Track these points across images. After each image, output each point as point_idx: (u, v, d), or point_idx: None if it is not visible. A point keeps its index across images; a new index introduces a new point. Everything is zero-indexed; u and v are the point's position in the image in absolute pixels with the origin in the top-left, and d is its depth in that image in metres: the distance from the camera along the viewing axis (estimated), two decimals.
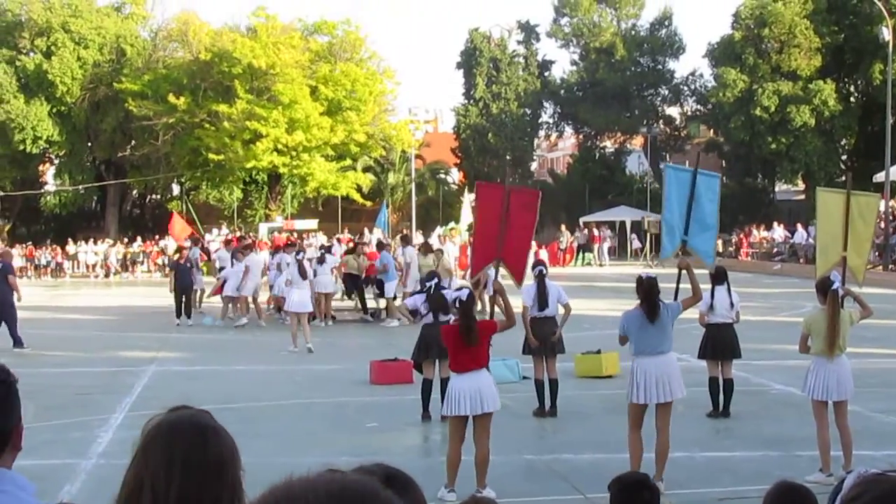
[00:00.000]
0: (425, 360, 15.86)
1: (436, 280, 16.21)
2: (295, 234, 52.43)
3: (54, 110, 67.90)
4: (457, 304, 11.48)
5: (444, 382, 14.66)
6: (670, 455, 11.73)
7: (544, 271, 16.32)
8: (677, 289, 12.55)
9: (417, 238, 52.87)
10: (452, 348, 11.45)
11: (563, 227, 63.18)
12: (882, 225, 45.11)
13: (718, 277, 15.66)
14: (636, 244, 66.85)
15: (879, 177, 49.83)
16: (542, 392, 15.82)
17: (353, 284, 31.87)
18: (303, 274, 24.31)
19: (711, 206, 13.23)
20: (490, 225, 13.07)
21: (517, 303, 14.40)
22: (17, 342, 23.89)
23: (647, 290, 11.66)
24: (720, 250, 55.84)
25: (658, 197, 71.43)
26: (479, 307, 20.26)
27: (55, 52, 66.85)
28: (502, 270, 13.02)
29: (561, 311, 16.28)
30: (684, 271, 12.31)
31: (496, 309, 14.01)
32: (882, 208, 43.92)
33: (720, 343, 15.53)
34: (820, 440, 11.85)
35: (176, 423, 2.80)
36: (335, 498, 1.73)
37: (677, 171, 14.05)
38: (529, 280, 15.44)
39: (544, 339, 15.83)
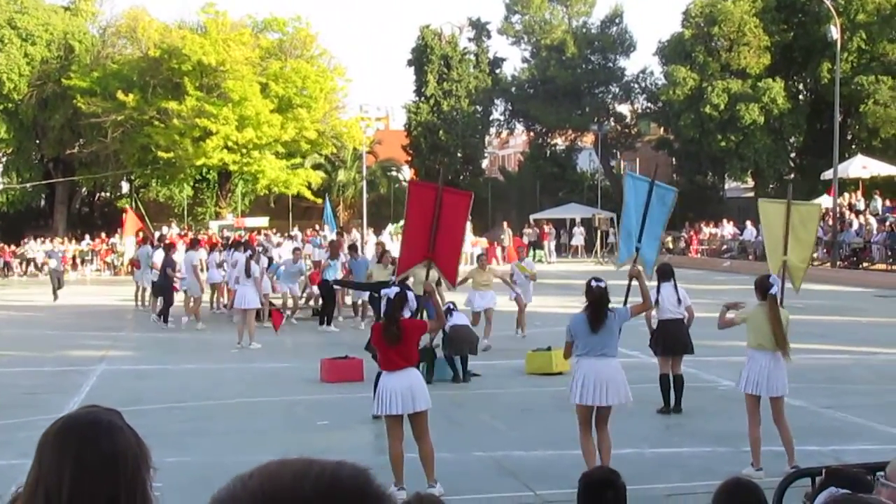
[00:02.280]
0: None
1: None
2: (261, 233, 52.32)
3: (1, 107, 67.24)
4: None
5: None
6: (620, 451, 11.78)
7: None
8: (627, 293, 12.63)
9: (370, 237, 52.86)
10: (380, 347, 11.48)
11: (505, 225, 63.24)
12: (831, 223, 45.51)
13: (665, 275, 15.79)
14: (578, 241, 66.95)
15: (827, 174, 50.26)
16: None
17: (331, 291, 29.14)
18: (248, 272, 24.69)
19: (662, 220, 13.43)
20: (421, 224, 13.06)
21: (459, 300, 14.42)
22: None
23: (596, 299, 11.67)
24: (670, 247, 56.21)
25: (609, 194, 71.94)
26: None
27: (1, 48, 66.16)
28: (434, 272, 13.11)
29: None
30: (635, 278, 12.44)
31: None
32: (837, 212, 44.30)
33: (671, 339, 15.62)
34: (750, 435, 12.03)
35: (69, 422, 2.77)
36: (325, 486, 1.72)
37: (636, 179, 14.23)
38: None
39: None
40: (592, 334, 11.59)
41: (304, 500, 1.68)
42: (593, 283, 11.81)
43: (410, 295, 13.21)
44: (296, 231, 56.79)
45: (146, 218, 62.21)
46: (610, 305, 11.72)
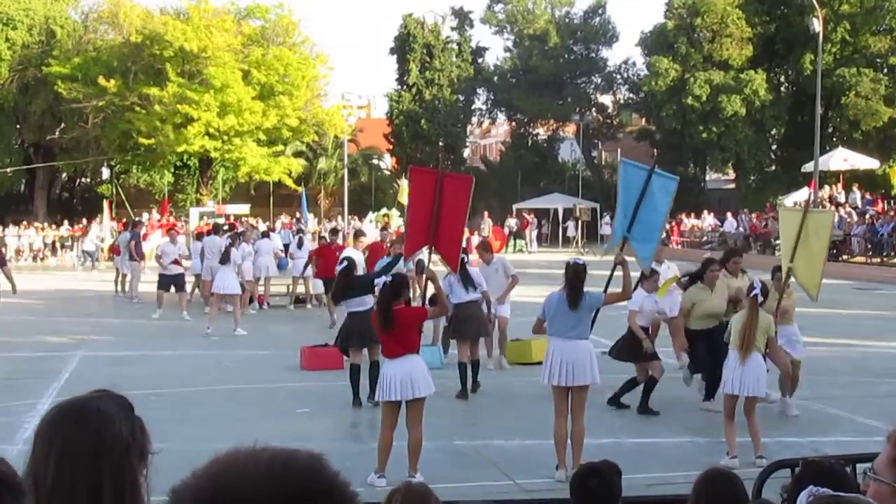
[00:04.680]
0: (351, 348, 15.92)
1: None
2: (251, 220, 52.39)
3: None
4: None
5: (374, 366, 14.76)
6: (599, 441, 11.79)
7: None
8: (609, 281, 12.61)
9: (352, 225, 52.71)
10: (379, 334, 11.52)
11: (485, 215, 63.34)
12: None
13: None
14: (571, 232, 67.03)
15: (808, 167, 50.38)
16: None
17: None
18: (225, 259, 24.79)
19: (663, 210, 13.23)
20: (423, 210, 13.02)
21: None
22: None
23: (571, 275, 11.75)
24: None
25: (590, 184, 72.07)
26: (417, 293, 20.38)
27: None
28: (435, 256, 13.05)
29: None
30: (619, 266, 12.39)
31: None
32: (835, 220, 44.37)
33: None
34: (724, 429, 12.15)
35: (57, 410, 2.79)
36: (278, 470, 1.72)
37: (634, 167, 13.89)
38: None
39: None
40: (566, 314, 11.69)
41: (257, 486, 1.70)
42: (571, 261, 11.93)
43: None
44: (280, 221, 56.62)
45: (127, 205, 62.01)
46: (586, 289, 11.75)
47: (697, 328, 15.04)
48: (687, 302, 15.21)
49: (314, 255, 28.51)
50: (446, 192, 12.80)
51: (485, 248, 19.74)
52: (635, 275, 13.05)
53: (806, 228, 13.82)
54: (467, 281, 16.82)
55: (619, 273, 12.34)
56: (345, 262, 15.81)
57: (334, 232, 30.60)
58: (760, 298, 12.45)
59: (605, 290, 12.36)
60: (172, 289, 28.59)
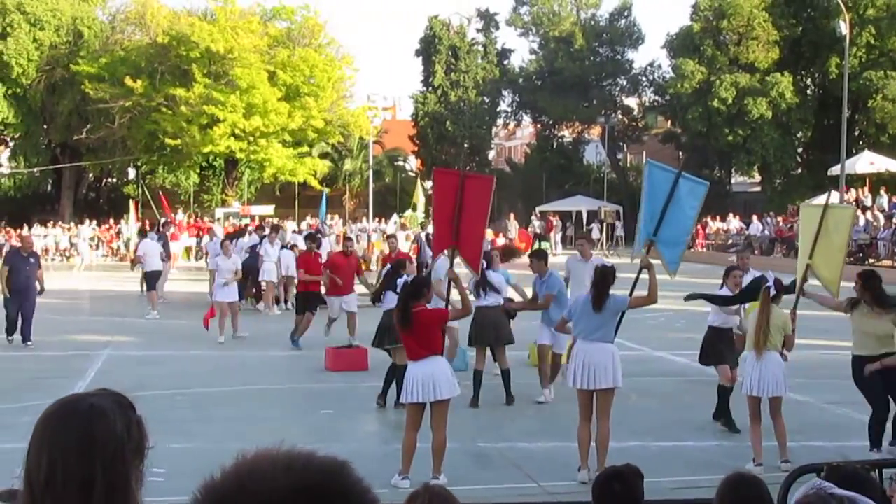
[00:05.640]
0: (390, 347, 15.80)
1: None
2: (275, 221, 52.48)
3: (10, 92, 67.34)
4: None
5: (399, 370, 14.72)
6: (624, 445, 11.76)
7: None
8: (635, 284, 12.50)
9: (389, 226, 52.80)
10: (402, 335, 11.50)
11: (511, 217, 63.22)
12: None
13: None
14: (595, 234, 66.95)
15: (834, 170, 50.15)
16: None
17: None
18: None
19: (691, 214, 13.04)
20: (446, 211, 13.00)
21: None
22: None
23: (598, 278, 11.73)
24: None
25: (615, 187, 71.89)
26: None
27: (10, 33, 66.28)
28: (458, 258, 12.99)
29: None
30: (645, 270, 12.26)
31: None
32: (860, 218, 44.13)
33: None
34: (750, 433, 12.02)
35: (51, 408, 2.78)
36: (296, 470, 1.75)
37: (660, 169, 13.56)
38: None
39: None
40: (590, 316, 11.70)
41: (273, 485, 1.74)
42: (599, 264, 11.95)
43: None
44: (305, 222, 56.81)
45: (153, 206, 62.20)
46: (611, 292, 11.72)
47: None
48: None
49: (299, 264, 25.11)
50: (468, 193, 12.77)
51: (539, 258, 17.09)
52: (662, 278, 12.89)
53: (826, 224, 13.69)
54: (484, 285, 16.34)
55: (644, 276, 12.25)
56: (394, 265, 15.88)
57: (312, 238, 26.37)
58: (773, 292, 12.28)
59: (631, 294, 12.25)
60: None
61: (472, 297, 15.92)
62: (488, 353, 16.42)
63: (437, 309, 11.82)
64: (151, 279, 30.05)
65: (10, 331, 22.77)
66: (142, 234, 35.17)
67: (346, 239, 27.02)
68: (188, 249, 52.87)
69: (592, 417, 11.64)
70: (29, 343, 22.46)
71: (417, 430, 11.28)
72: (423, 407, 11.21)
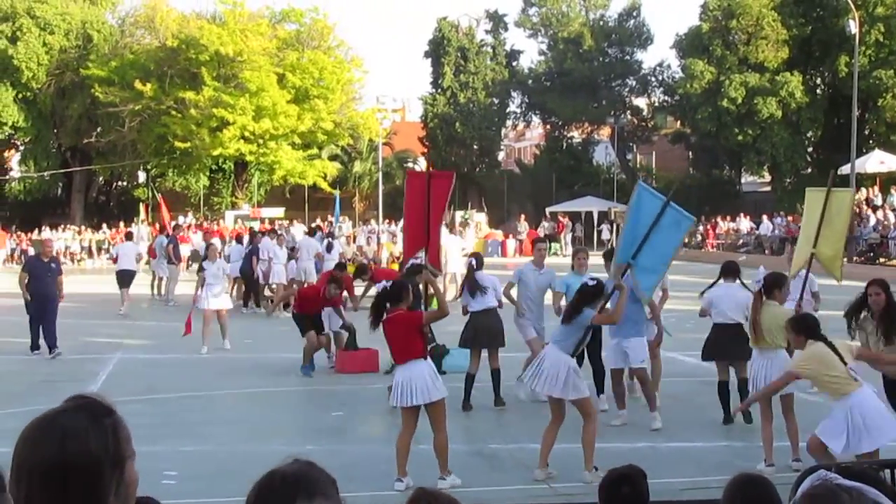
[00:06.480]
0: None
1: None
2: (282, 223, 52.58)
3: (20, 96, 67.51)
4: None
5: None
6: (634, 445, 11.76)
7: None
8: (606, 300, 12.33)
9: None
10: (386, 341, 11.56)
11: (521, 219, 63.13)
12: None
13: (728, 273, 14.92)
14: (606, 235, 66.92)
15: (845, 169, 50.08)
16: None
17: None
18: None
19: (672, 244, 12.92)
20: (417, 213, 13.13)
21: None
22: None
23: (578, 293, 11.87)
24: (686, 241, 56.03)
25: (625, 188, 71.76)
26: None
27: (20, 37, 66.44)
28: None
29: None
30: (617, 291, 12.27)
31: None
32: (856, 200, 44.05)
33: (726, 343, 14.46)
34: (762, 433, 11.97)
35: (26, 431, 2.70)
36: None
37: (650, 194, 13.40)
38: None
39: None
40: (562, 324, 11.83)
41: None
42: (588, 281, 11.97)
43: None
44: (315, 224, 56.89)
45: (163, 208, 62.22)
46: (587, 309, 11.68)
47: None
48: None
49: (306, 292, 22.92)
50: (433, 193, 12.90)
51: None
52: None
53: (829, 209, 13.70)
54: (474, 287, 16.07)
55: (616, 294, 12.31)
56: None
57: (336, 282, 21.73)
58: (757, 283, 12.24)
59: (600, 310, 12.08)
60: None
61: (469, 300, 15.93)
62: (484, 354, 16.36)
63: (410, 312, 11.60)
64: (124, 278, 30.40)
65: (33, 345, 21.90)
66: (129, 237, 35.21)
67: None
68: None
69: (560, 421, 11.79)
70: (57, 350, 21.44)
71: (411, 432, 11.29)
72: (416, 410, 11.21)
